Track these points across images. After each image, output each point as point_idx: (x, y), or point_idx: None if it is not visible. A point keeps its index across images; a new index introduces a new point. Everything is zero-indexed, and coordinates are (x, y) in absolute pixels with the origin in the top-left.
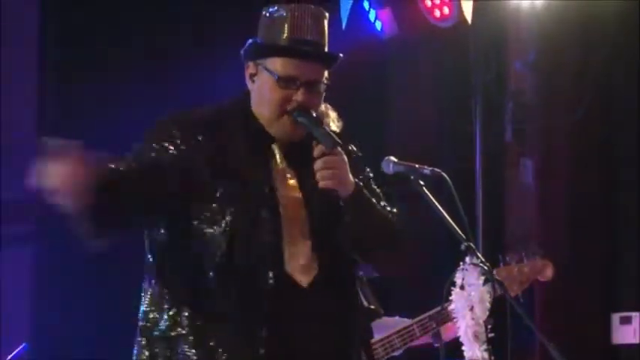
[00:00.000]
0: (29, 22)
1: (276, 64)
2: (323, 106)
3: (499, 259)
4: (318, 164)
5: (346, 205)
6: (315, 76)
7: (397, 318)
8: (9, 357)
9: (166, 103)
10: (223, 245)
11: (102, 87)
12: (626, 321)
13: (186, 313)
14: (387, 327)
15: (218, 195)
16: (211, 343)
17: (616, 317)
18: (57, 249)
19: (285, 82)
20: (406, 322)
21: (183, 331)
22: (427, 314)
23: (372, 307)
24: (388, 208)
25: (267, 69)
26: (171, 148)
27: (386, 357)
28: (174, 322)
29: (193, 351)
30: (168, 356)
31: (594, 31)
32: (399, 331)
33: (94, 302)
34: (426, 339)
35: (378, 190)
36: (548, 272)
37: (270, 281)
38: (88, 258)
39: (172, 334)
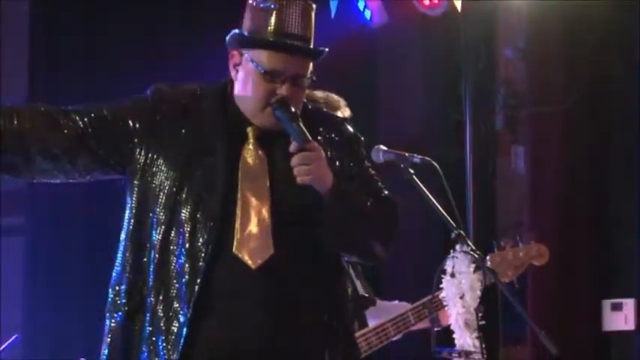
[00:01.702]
0: (19, 15)
1: (262, 56)
2: (337, 99)
3: (493, 244)
4: (294, 160)
5: (325, 201)
6: (300, 70)
7: (396, 302)
8: (1, 347)
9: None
10: (168, 219)
11: (91, 79)
12: (617, 308)
13: (124, 287)
14: (387, 312)
15: (178, 169)
16: (146, 317)
17: (607, 304)
18: (49, 240)
19: (270, 75)
20: (406, 306)
21: (124, 308)
22: (421, 302)
23: (366, 295)
24: (386, 192)
25: (252, 60)
26: (131, 123)
27: (380, 345)
28: (117, 294)
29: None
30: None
31: (585, 16)
32: (393, 319)
33: (87, 293)
34: (425, 323)
35: (375, 176)
36: (544, 257)
37: (208, 257)
38: (81, 249)
39: (112, 310)
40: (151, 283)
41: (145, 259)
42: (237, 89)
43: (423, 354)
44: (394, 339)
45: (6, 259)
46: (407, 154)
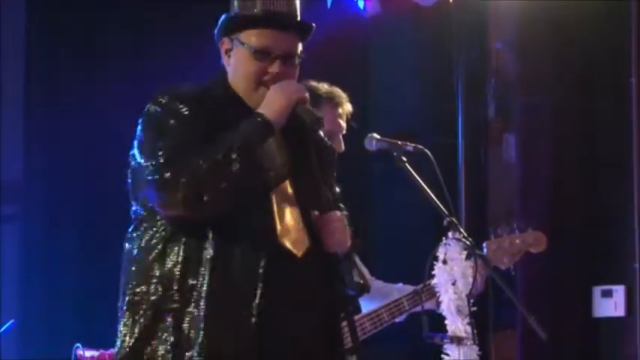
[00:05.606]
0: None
1: (251, 36)
2: (340, 95)
3: (490, 231)
4: (317, 223)
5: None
6: (291, 48)
7: (400, 285)
8: None
9: (149, 92)
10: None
11: (87, 75)
12: (607, 294)
13: (176, 286)
14: (385, 295)
15: None
16: (202, 314)
17: (597, 290)
18: (46, 228)
19: (260, 54)
20: (405, 290)
21: (175, 305)
22: (415, 288)
23: (361, 281)
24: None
25: (242, 42)
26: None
27: (374, 331)
28: (164, 295)
29: (186, 324)
30: (157, 328)
31: (576, 7)
32: (387, 305)
33: (83, 280)
34: (429, 305)
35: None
36: (541, 244)
37: (267, 252)
38: (76, 236)
39: (163, 307)
40: (206, 280)
41: (201, 256)
42: (231, 74)
43: (416, 339)
44: (398, 320)
45: (3, 246)
46: (400, 142)
